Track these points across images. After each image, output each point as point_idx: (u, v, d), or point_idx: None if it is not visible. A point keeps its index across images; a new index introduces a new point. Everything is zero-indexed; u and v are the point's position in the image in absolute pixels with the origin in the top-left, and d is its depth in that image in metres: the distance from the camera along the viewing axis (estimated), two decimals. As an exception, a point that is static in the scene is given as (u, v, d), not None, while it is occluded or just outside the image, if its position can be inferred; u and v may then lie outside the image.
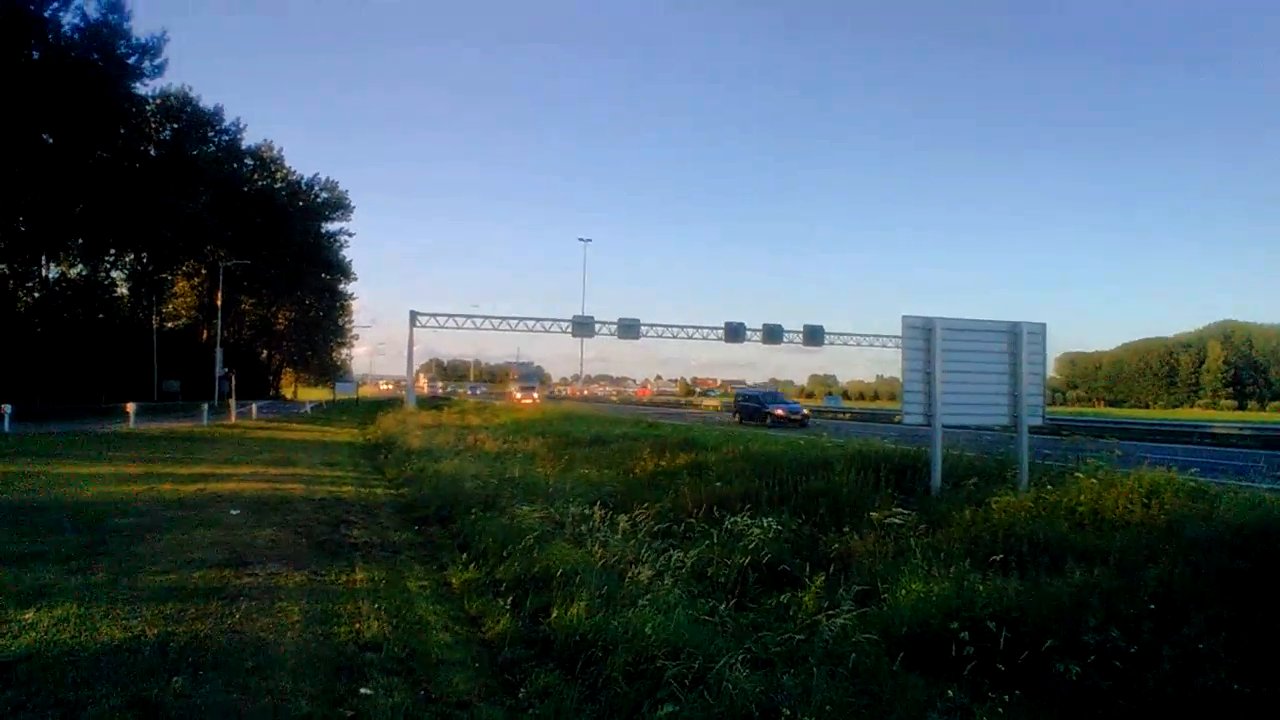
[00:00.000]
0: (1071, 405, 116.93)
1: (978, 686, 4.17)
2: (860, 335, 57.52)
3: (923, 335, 9.32)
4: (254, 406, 37.06)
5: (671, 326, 54.18)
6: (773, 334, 53.33)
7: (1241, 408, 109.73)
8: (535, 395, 68.85)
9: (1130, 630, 4.49)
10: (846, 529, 7.49)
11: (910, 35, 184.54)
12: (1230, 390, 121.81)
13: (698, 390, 75.28)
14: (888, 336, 53.30)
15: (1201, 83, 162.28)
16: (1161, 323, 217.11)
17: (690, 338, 54.51)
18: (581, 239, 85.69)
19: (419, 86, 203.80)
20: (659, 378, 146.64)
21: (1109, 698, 4.05)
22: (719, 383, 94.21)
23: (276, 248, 59.13)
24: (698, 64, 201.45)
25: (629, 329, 51.71)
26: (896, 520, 7.33)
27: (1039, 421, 10.00)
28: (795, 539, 7.34)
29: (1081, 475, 7.82)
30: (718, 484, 9.94)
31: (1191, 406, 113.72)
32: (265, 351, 72.02)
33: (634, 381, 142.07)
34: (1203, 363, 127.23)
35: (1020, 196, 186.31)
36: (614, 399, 74.18)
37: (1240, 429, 28.38)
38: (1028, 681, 4.21)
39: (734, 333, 52.48)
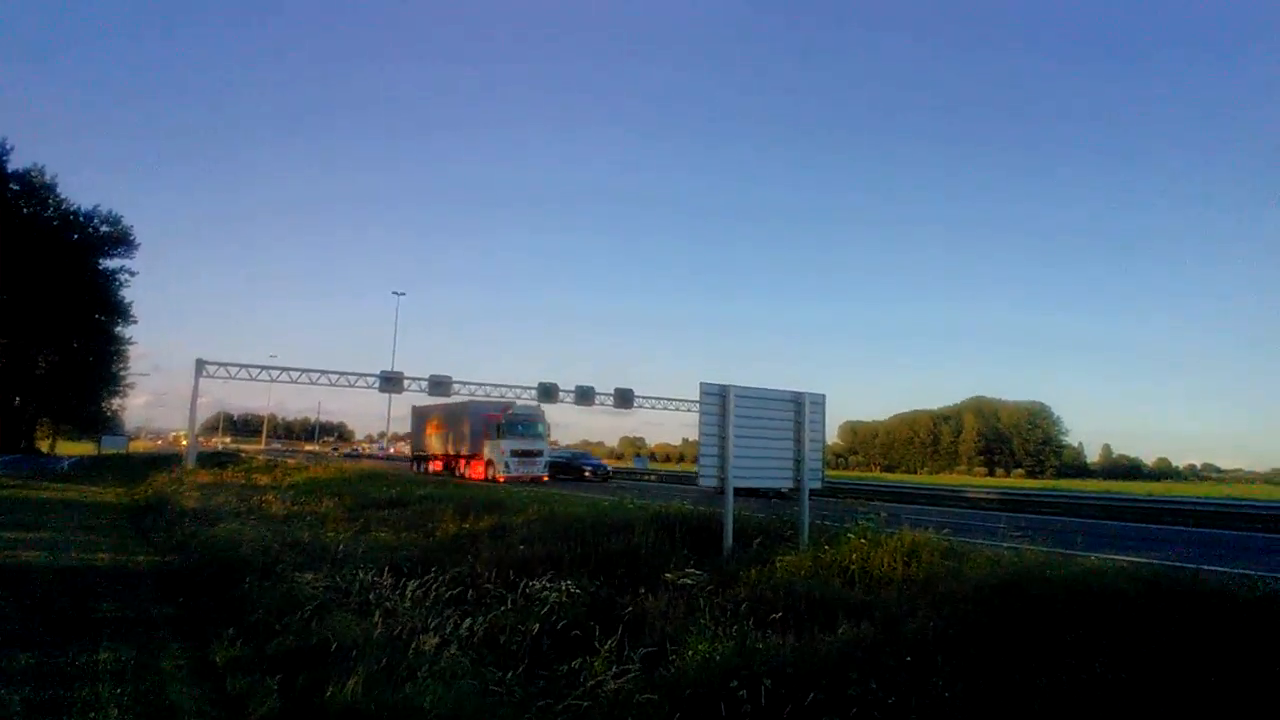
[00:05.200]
0: (852, 469, 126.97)
1: (752, 743, 4.34)
2: (668, 399, 58.55)
3: (718, 401, 9.80)
4: (-3, 461, 31.83)
5: (485, 385, 52.42)
6: (585, 395, 53.72)
7: (991, 474, 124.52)
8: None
9: (888, 682, 4.89)
10: (643, 590, 7.59)
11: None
12: (982, 458, 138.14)
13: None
14: (693, 401, 55.00)
15: (953, 173, 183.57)
16: (931, 395, 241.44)
17: (503, 397, 53.26)
18: (396, 293, 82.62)
19: (217, 113, 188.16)
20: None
21: (866, 746, 4.36)
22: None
23: (42, 283, 51.78)
24: (514, 127, 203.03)
25: (440, 386, 49.98)
26: (689, 581, 7.56)
27: (819, 485, 10.79)
28: (593, 601, 7.34)
29: (853, 535, 8.50)
30: (520, 547, 9.77)
31: (951, 472, 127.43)
32: (18, 399, 62.42)
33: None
34: (960, 433, 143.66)
35: (807, 272, 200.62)
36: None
37: (988, 493, 32.13)
38: (798, 736, 4.44)
39: (546, 393, 52.23)
